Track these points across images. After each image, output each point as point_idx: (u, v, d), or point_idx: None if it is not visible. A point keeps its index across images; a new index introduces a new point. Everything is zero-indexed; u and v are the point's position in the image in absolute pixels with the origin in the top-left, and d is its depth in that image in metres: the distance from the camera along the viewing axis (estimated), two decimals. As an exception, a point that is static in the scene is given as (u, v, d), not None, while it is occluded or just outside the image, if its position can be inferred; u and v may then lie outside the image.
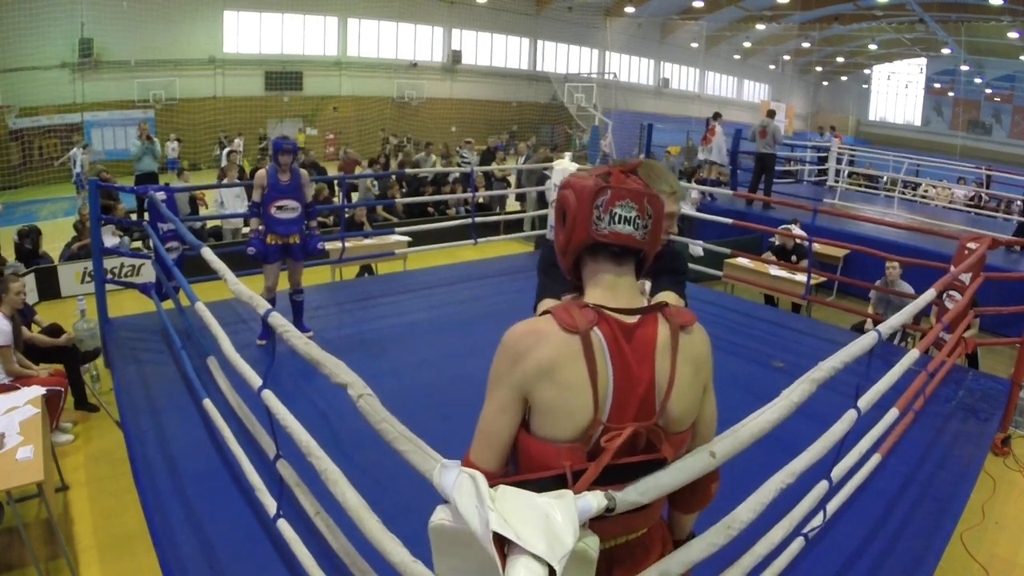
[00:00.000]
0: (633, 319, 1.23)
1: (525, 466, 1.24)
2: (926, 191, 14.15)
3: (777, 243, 7.35)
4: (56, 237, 8.42)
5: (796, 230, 7.70)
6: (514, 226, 9.63)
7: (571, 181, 1.29)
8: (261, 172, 4.59)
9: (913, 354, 2.84)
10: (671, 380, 1.22)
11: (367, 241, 6.96)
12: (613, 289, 1.26)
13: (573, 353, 1.17)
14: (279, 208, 4.58)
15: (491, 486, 1.12)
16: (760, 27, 28.54)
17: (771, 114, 10.83)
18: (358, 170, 13.16)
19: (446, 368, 4.36)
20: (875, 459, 3.03)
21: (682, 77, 31.10)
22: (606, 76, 26.04)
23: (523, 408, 1.22)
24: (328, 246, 5.69)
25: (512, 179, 12.13)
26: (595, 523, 1.16)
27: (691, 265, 7.13)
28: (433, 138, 18.02)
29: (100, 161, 13.99)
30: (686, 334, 1.26)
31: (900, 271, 5.95)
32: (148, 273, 7.29)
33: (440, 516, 1.16)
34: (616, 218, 1.22)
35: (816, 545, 2.60)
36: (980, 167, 14.33)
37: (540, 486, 1.14)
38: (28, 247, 7.42)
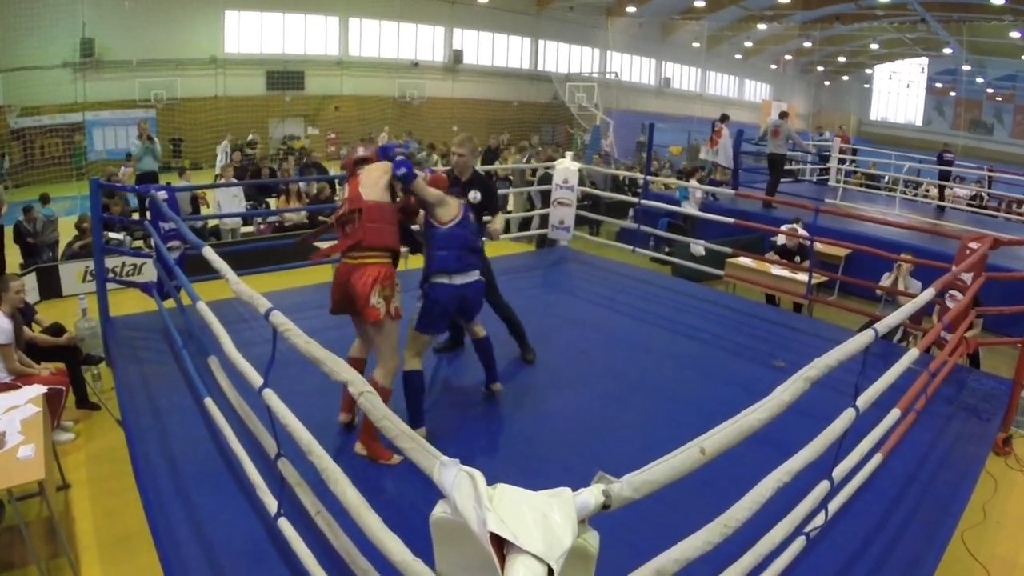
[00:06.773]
0: None
1: None
2: (927, 191, 14.12)
3: (779, 243, 7.34)
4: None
5: (799, 229, 7.69)
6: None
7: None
8: None
9: (913, 353, 2.83)
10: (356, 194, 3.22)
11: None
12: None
13: None
14: None
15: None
16: (761, 27, 28.50)
17: (784, 115, 10.85)
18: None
19: (445, 366, 4.37)
20: (877, 459, 3.02)
21: (683, 77, 31.05)
22: (607, 76, 26.03)
23: None
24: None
25: (514, 179, 12.11)
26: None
27: (693, 264, 7.15)
28: (435, 137, 17.99)
29: (101, 160, 14.02)
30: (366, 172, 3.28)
31: (911, 268, 5.88)
32: (149, 272, 7.30)
33: (441, 509, 1.16)
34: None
35: (817, 544, 2.60)
36: (982, 167, 14.32)
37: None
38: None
